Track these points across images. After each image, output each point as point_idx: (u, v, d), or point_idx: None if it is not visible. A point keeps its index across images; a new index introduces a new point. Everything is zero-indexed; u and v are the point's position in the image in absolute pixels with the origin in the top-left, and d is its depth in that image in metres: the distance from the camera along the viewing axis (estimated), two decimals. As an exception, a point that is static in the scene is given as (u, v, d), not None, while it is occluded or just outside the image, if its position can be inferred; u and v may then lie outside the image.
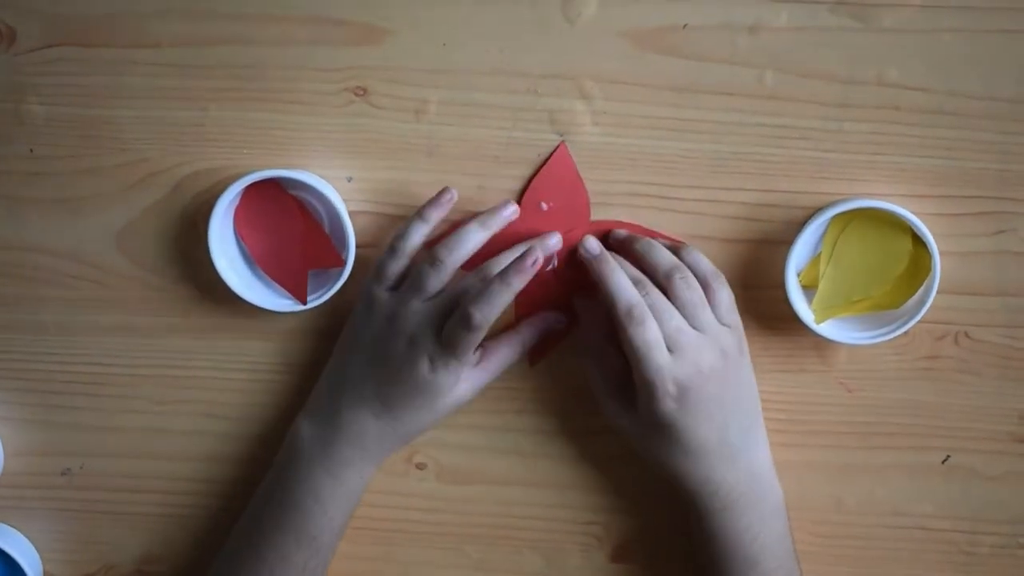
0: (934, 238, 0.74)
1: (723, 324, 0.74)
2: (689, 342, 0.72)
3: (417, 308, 0.74)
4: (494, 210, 0.76)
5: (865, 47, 0.75)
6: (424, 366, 0.74)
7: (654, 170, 0.78)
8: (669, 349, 0.71)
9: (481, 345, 0.75)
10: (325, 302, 0.77)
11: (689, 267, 0.74)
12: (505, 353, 0.77)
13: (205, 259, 0.76)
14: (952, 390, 0.79)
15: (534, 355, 0.80)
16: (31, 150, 0.79)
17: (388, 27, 0.77)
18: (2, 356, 0.81)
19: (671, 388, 0.71)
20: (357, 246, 0.76)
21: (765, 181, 0.77)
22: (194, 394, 0.81)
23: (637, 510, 0.82)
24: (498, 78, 0.77)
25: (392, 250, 0.75)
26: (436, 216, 0.75)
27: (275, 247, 0.78)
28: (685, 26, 0.76)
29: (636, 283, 0.73)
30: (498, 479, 0.82)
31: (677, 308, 0.72)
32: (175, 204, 0.79)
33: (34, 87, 0.78)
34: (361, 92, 0.78)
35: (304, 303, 0.77)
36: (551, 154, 0.78)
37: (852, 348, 0.79)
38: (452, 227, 0.77)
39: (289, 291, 0.78)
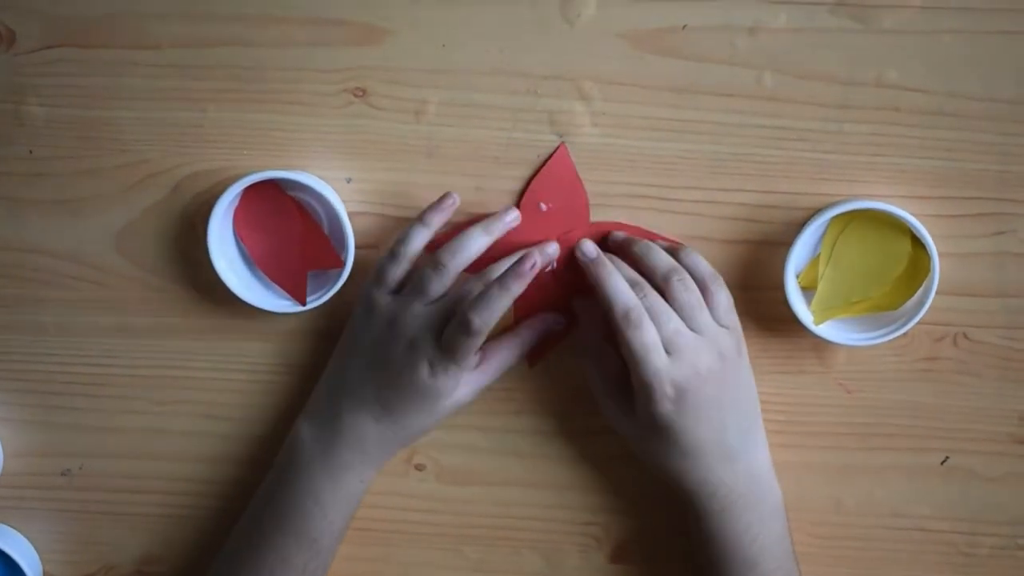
0: (933, 239, 0.74)
1: (721, 326, 0.74)
2: (687, 344, 0.72)
3: (418, 312, 0.74)
4: (497, 216, 0.76)
5: (865, 48, 0.75)
6: (424, 371, 0.74)
7: (653, 171, 0.78)
8: (667, 351, 0.71)
9: (480, 347, 0.75)
10: (324, 303, 0.77)
11: (687, 269, 0.74)
12: (504, 355, 0.77)
13: (204, 260, 0.76)
14: (951, 391, 0.79)
15: (533, 356, 0.80)
16: (31, 151, 0.79)
17: (388, 27, 0.77)
18: (2, 357, 0.81)
19: (668, 390, 0.71)
20: (356, 247, 0.76)
21: (764, 182, 0.77)
22: (193, 395, 0.82)
23: (636, 511, 0.82)
24: (498, 79, 0.77)
25: (393, 254, 0.75)
26: (438, 221, 0.75)
27: (274, 248, 0.78)
28: (684, 27, 0.76)
29: (634, 285, 0.73)
30: (497, 480, 0.82)
31: (675, 310, 0.73)
32: (175, 205, 0.79)
33: (34, 88, 0.78)
34: (360, 93, 0.78)
35: (303, 304, 0.77)
36: (551, 155, 0.78)
37: (851, 349, 0.79)
38: (452, 229, 0.77)
39: (288, 292, 0.78)
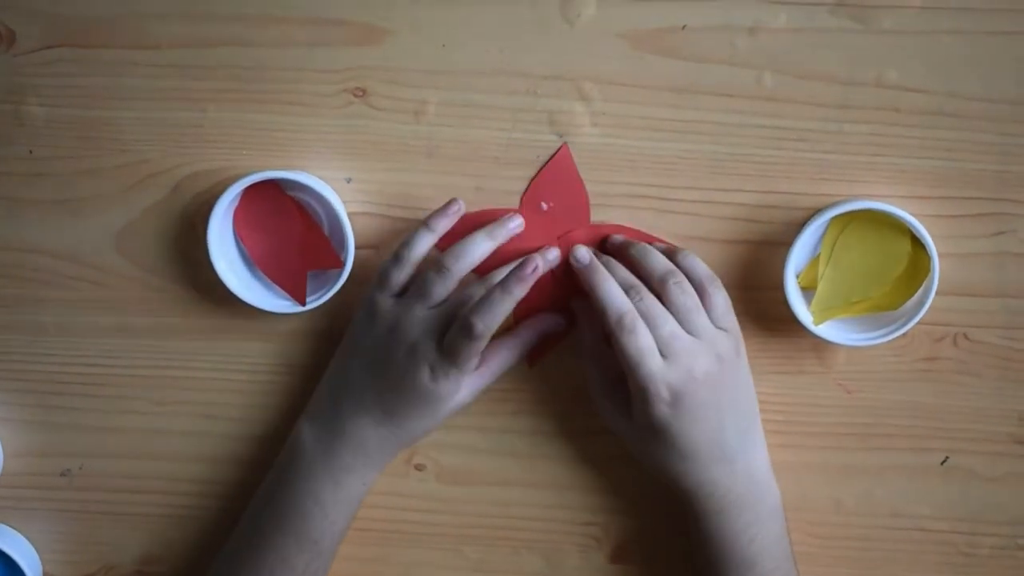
0: (933, 239, 0.74)
1: (719, 328, 0.74)
2: (683, 347, 0.72)
3: (420, 316, 0.74)
4: (501, 221, 0.76)
5: (864, 48, 0.75)
6: (425, 375, 0.74)
7: (653, 171, 0.78)
8: (663, 354, 0.71)
9: (480, 349, 0.75)
10: (324, 303, 0.77)
11: (684, 271, 0.74)
12: (504, 356, 0.77)
13: (204, 260, 0.76)
14: (951, 391, 0.79)
15: (533, 357, 0.80)
16: (31, 151, 0.79)
17: (388, 27, 0.77)
18: (2, 357, 0.81)
19: (664, 393, 0.71)
20: (356, 247, 0.76)
21: (764, 182, 0.77)
22: (193, 395, 0.82)
23: (636, 511, 0.82)
24: (498, 79, 0.77)
25: (396, 258, 0.75)
26: (443, 226, 0.76)
27: (274, 248, 0.78)
28: (684, 27, 0.76)
29: (630, 288, 0.73)
30: (497, 480, 0.82)
31: (672, 313, 0.72)
32: (175, 205, 0.79)
33: (34, 88, 0.78)
34: (360, 93, 0.78)
35: (303, 304, 0.77)
36: (553, 154, 0.78)
37: (851, 349, 0.79)
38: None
39: (288, 292, 0.78)
